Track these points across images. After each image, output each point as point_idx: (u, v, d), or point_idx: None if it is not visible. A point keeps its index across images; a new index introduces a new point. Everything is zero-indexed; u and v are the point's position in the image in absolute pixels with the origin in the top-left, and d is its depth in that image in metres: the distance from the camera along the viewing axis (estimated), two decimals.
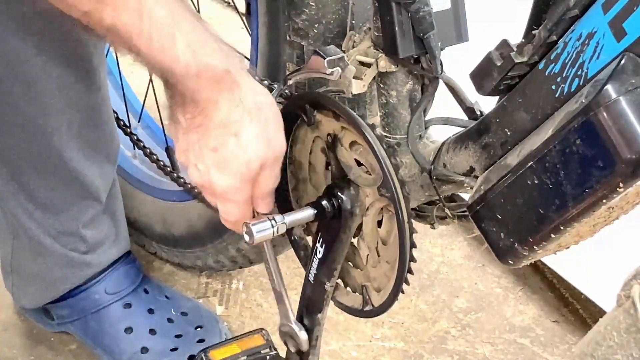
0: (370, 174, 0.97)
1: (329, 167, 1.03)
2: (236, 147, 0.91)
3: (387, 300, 0.99)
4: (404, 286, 0.96)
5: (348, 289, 1.07)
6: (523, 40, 0.83)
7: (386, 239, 0.99)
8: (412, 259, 0.94)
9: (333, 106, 0.95)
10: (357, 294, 1.05)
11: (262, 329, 1.07)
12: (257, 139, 0.92)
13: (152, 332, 1.42)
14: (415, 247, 0.93)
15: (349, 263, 1.06)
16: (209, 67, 0.88)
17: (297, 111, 1.00)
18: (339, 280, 1.06)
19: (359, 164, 0.98)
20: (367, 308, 1.03)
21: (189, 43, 0.86)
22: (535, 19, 0.84)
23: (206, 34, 0.89)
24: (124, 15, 0.84)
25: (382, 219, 1.00)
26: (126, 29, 0.85)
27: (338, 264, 1.01)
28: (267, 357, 1.04)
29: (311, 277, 1.03)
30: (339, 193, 0.98)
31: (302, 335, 1.04)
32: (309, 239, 1.10)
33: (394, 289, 0.97)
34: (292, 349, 1.05)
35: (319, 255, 1.02)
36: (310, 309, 1.05)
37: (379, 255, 1.01)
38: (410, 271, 0.95)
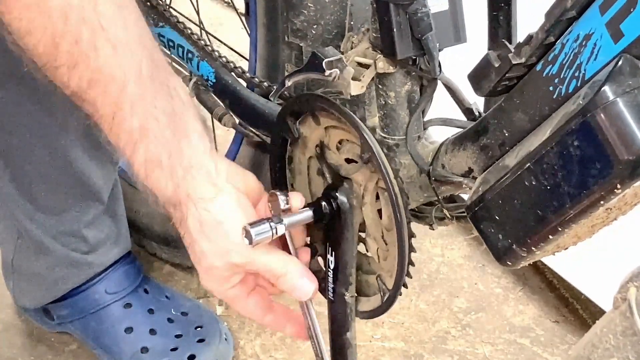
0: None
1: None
2: (194, 255, 0.96)
3: (397, 276, 0.97)
4: (405, 283, 0.96)
5: (368, 298, 1.06)
6: (520, 42, 0.83)
7: (389, 225, 0.99)
8: (409, 220, 0.93)
9: (305, 96, 0.95)
10: (376, 296, 1.04)
11: None
12: (207, 253, 0.94)
13: (152, 332, 1.42)
14: (409, 205, 0.93)
15: (363, 273, 1.05)
16: (155, 189, 0.93)
17: (283, 133, 1.00)
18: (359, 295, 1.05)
19: (349, 162, 0.98)
20: (386, 297, 1.01)
21: (147, 159, 0.90)
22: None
23: (164, 155, 0.91)
24: (100, 112, 0.88)
25: (381, 209, 1.00)
26: (99, 122, 0.89)
27: (351, 267, 1.00)
28: None
29: (331, 295, 1.03)
30: (334, 192, 0.99)
31: None
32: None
33: (399, 257, 0.95)
34: None
35: (332, 266, 1.01)
36: (338, 331, 1.04)
37: (386, 244, 1.00)
38: (412, 237, 0.94)
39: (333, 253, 1.01)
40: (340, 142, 0.98)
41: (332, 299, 1.03)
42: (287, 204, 0.96)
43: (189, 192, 0.92)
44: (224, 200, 0.94)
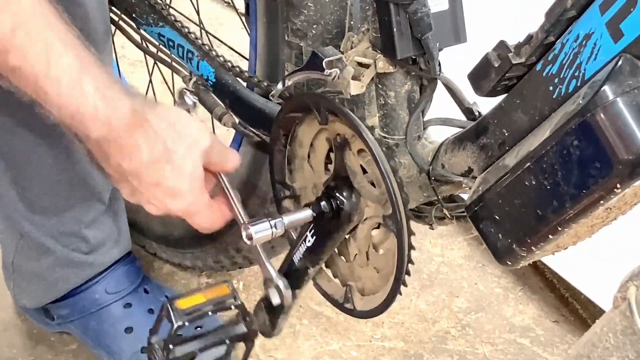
0: (375, 186, 0.97)
1: (331, 160, 1.03)
2: (175, 172, 0.95)
3: (371, 312, 1.00)
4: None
5: (330, 274, 1.07)
6: (520, 41, 0.83)
7: (378, 246, 0.99)
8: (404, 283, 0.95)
9: (354, 127, 0.94)
10: (338, 282, 1.05)
11: (226, 280, 1.07)
12: (187, 152, 0.95)
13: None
14: (409, 275, 0.95)
15: (336, 250, 1.06)
16: (117, 109, 0.89)
17: (311, 108, 1.00)
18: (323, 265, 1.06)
19: (364, 170, 0.98)
20: (348, 305, 1.03)
21: (97, 86, 0.87)
22: None
23: (110, 77, 0.90)
24: (30, 58, 0.84)
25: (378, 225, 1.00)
26: (32, 71, 0.85)
27: (326, 255, 1.02)
28: (232, 307, 1.05)
29: (296, 260, 1.03)
30: (339, 196, 0.99)
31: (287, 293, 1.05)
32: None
33: (381, 305, 0.98)
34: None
35: (308, 244, 1.02)
36: (289, 283, 1.05)
37: (368, 259, 1.01)
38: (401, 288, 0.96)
39: (315, 237, 1.02)
40: (362, 150, 0.97)
41: (295, 263, 1.04)
42: (194, 104, 1.03)
43: (144, 103, 0.94)
44: (168, 105, 0.97)
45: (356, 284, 1.03)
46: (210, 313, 1.04)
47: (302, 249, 1.03)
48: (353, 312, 1.04)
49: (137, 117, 0.91)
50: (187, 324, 1.02)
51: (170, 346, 1.03)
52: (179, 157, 0.94)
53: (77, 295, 1.42)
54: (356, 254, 1.03)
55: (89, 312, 1.43)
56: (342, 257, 1.06)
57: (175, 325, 1.02)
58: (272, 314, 1.07)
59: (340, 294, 1.05)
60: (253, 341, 1.09)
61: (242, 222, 1.02)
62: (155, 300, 1.46)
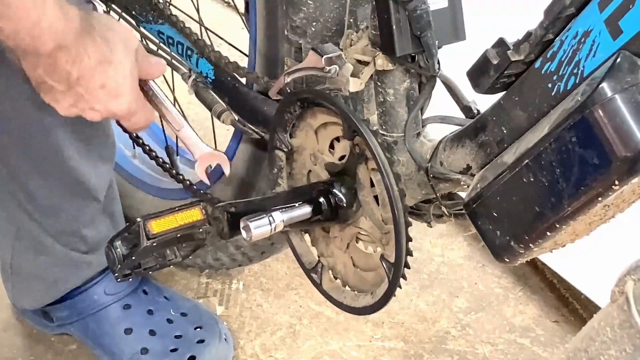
0: (378, 203, 0.97)
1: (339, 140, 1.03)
2: (117, 71, 1.02)
3: (337, 302, 1.01)
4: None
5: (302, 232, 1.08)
6: (519, 39, 0.83)
7: (362, 242, 1.00)
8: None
9: (381, 174, 0.94)
10: (310, 244, 1.06)
11: (201, 201, 1.07)
12: (124, 52, 1.03)
13: (151, 332, 1.42)
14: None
15: None
16: (70, 18, 0.95)
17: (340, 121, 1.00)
18: None
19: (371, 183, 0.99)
20: (314, 276, 1.05)
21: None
22: None
23: None
24: None
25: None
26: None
27: (306, 228, 1.02)
28: (199, 236, 1.06)
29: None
30: (340, 198, 0.99)
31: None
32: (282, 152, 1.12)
33: (350, 309, 1.01)
34: None
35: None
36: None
37: (347, 248, 1.01)
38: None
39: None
40: (375, 169, 0.98)
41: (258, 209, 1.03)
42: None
43: (87, 10, 1.01)
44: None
45: (327, 261, 1.03)
46: (178, 235, 1.05)
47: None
48: (318, 287, 1.04)
49: (85, 24, 0.98)
50: (154, 245, 1.04)
51: (133, 257, 1.05)
52: (118, 57, 1.02)
53: (76, 296, 1.42)
54: (337, 237, 1.02)
55: (88, 313, 1.43)
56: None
57: (142, 247, 1.03)
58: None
59: (311, 260, 1.05)
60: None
61: (178, 121, 1.13)
62: (154, 301, 1.46)
